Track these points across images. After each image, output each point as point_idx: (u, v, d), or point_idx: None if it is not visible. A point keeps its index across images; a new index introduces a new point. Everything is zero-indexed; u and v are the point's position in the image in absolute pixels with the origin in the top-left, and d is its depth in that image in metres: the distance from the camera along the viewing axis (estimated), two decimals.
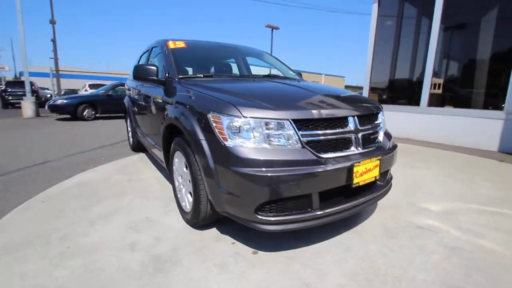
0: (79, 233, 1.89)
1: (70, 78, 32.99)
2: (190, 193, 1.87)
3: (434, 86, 5.34)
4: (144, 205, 2.35)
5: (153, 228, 1.96)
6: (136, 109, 3.50)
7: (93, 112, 8.95)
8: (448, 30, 5.11)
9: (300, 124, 1.49)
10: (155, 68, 2.30)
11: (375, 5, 5.95)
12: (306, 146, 1.48)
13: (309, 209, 1.49)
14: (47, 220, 2.08)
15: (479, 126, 4.61)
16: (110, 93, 9.31)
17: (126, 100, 4.21)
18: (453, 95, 5.30)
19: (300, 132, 1.48)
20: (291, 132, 1.46)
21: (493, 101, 4.68)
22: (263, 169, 1.38)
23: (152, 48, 3.17)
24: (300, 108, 1.54)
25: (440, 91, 5.36)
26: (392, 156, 1.86)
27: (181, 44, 2.65)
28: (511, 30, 4.28)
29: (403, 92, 5.99)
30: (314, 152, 1.48)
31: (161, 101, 2.30)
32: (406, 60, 6.11)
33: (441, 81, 5.34)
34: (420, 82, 5.42)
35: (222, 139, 1.47)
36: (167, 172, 3.14)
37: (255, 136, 1.45)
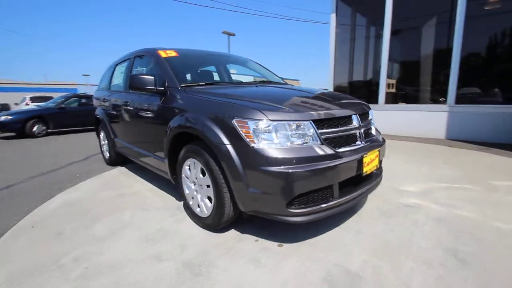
0: (93, 252, 1.80)
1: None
2: (209, 197, 1.92)
3: (388, 86, 6.05)
4: (149, 217, 2.30)
5: (171, 237, 1.95)
6: (118, 121, 3.35)
7: (44, 128, 8.08)
8: (397, 36, 5.86)
9: (317, 123, 1.67)
10: (152, 78, 2.28)
11: (333, 15, 6.53)
12: (325, 143, 1.66)
13: (331, 198, 1.67)
14: (47, 245, 1.92)
15: (428, 118, 5.37)
16: (63, 106, 8.50)
17: (99, 112, 3.97)
18: (404, 93, 6.07)
19: (319, 131, 1.66)
20: (312, 131, 1.63)
21: (438, 96, 5.49)
22: (292, 166, 1.52)
23: (135, 57, 3.09)
24: (316, 110, 1.72)
25: (394, 90, 6.10)
26: (384, 148, 2.15)
27: (172, 53, 2.66)
28: (448, 35, 5.11)
29: (363, 92, 6.65)
30: (332, 148, 1.67)
31: (161, 110, 2.29)
32: (364, 63, 6.81)
33: (394, 81, 6.07)
34: (377, 83, 6.10)
35: (250, 142, 1.58)
36: (163, 182, 3.11)
37: (281, 136, 1.58)
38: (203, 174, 1.91)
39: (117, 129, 3.48)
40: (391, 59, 5.94)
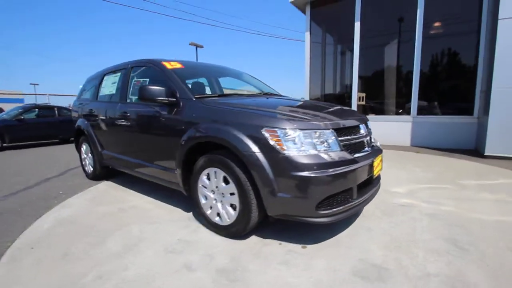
0: (115, 269, 1.72)
1: None
2: (232, 205, 1.97)
3: (359, 98, 6.62)
4: (161, 230, 2.25)
5: (193, 247, 1.95)
6: (109, 132, 3.21)
7: None
8: (365, 54, 6.48)
9: (337, 132, 1.85)
10: (163, 89, 2.30)
11: (307, 33, 7.03)
12: (344, 149, 1.84)
13: (351, 199, 1.84)
14: (57, 266, 1.79)
15: (395, 127, 5.97)
16: (22, 117, 7.71)
17: (82, 124, 3.75)
18: (373, 105, 6.68)
19: (339, 138, 1.84)
20: (333, 138, 1.80)
21: (403, 108, 6.16)
22: (320, 170, 1.66)
23: (131, 67, 3.03)
24: (334, 120, 1.90)
25: (363, 103, 6.68)
26: (383, 153, 2.41)
27: (177, 65, 2.68)
28: (410, 52, 5.81)
29: (337, 104, 7.16)
30: (349, 153, 1.86)
31: (173, 121, 2.28)
32: (336, 77, 7.37)
33: (363, 95, 6.67)
34: (349, 95, 6.64)
35: (280, 149, 1.69)
36: (161, 194, 3.02)
37: (308, 144, 1.72)
38: (226, 183, 1.96)
39: (107, 140, 3.33)
40: (361, 74, 6.53)
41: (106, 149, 3.39)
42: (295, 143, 1.71)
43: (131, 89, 2.96)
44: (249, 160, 1.76)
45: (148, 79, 2.82)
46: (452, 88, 5.73)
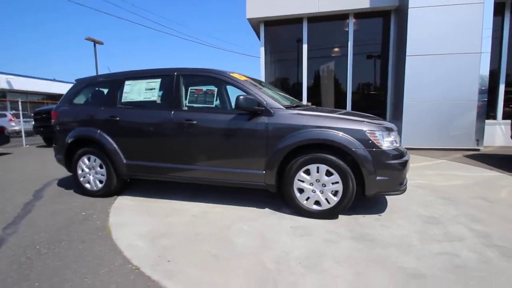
0: (279, 253, 2.01)
1: None
2: (333, 192, 2.53)
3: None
4: (265, 224, 2.53)
5: (311, 229, 2.40)
6: (157, 140, 3.03)
7: None
8: (310, 69, 7.86)
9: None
10: (254, 99, 2.62)
11: (262, 48, 7.88)
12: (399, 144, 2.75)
13: (406, 180, 2.75)
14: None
15: None
16: None
17: (90, 133, 3.26)
18: None
19: None
20: (397, 136, 2.67)
21: None
22: (401, 159, 2.50)
23: (180, 75, 3.02)
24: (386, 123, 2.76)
25: None
26: None
27: (244, 77, 2.97)
28: (344, 72, 7.52)
29: None
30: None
31: (269, 128, 2.62)
32: (288, 88, 8.50)
33: (309, 103, 8.07)
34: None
35: (379, 146, 2.43)
36: (213, 197, 3.17)
37: (392, 141, 2.53)
38: (328, 175, 2.52)
39: (143, 149, 3.12)
40: (308, 86, 7.88)
41: (136, 159, 3.16)
42: (386, 141, 2.48)
43: (188, 96, 2.98)
44: (357, 155, 2.41)
45: (206, 88, 2.95)
46: (372, 100, 7.82)
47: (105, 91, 3.43)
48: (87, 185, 3.44)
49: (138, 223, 2.62)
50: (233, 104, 2.99)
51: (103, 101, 3.37)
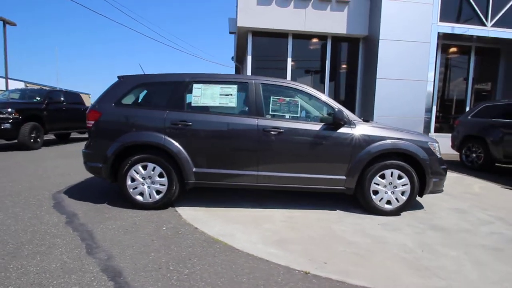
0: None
1: None
2: (401, 193, 3.08)
3: None
4: (357, 222, 2.89)
5: (394, 225, 2.88)
6: (235, 147, 3.03)
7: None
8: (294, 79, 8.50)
9: None
10: (344, 112, 3.00)
11: (249, 57, 8.12)
12: None
13: None
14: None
15: None
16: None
17: (153, 138, 2.95)
18: None
19: None
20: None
21: None
22: (445, 165, 3.25)
23: (261, 83, 3.09)
24: None
25: None
26: None
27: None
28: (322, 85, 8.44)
29: None
30: None
31: (354, 138, 3.01)
32: None
33: None
34: None
35: (436, 154, 3.11)
36: (295, 204, 3.21)
37: (439, 151, 3.25)
38: (399, 178, 3.06)
39: (220, 156, 3.05)
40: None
41: (208, 167, 3.05)
42: (438, 150, 3.19)
43: (270, 105, 3.07)
44: (424, 162, 3.03)
45: (298, 100, 3.13)
46: None
47: (165, 93, 3.16)
48: (138, 197, 3.07)
49: (240, 232, 2.59)
50: (314, 114, 3.26)
51: (165, 104, 3.09)
